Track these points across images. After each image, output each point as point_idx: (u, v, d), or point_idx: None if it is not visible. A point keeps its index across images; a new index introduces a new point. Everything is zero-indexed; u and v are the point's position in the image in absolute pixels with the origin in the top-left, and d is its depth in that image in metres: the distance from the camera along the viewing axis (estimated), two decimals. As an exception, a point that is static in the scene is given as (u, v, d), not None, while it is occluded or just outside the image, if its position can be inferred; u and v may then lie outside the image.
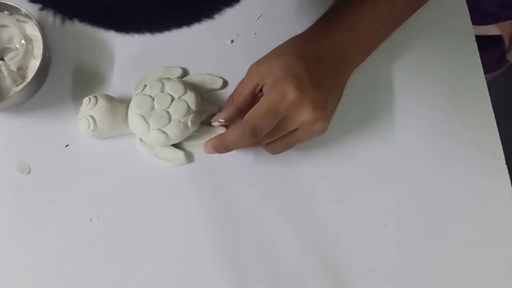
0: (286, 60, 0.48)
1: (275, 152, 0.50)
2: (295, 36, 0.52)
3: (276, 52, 0.50)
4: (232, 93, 0.51)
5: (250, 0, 0.42)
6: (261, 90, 0.49)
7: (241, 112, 0.50)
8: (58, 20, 0.30)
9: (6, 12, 0.54)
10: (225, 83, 0.55)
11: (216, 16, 0.32)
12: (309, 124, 0.47)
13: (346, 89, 0.52)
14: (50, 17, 0.30)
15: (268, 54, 0.50)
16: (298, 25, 0.54)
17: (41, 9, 0.30)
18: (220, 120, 0.52)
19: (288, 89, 0.46)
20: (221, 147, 0.47)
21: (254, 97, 0.50)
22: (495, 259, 0.51)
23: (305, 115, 0.46)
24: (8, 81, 0.53)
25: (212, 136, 0.49)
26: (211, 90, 0.55)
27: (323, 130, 0.49)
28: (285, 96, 0.46)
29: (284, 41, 0.51)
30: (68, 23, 0.31)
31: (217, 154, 0.47)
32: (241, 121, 0.47)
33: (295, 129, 0.48)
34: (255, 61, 0.50)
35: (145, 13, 0.31)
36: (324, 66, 0.49)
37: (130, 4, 0.29)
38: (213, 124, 0.53)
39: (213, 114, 0.53)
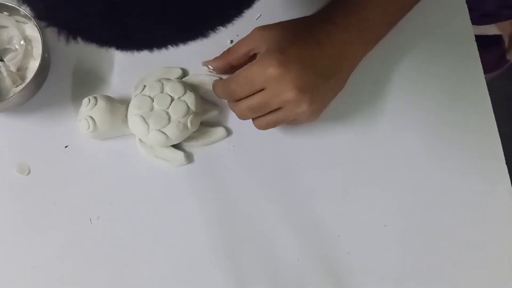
0: (283, 36, 0.48)
1: (259, 127, 0.50)
2: (305, 16, 0.52)
3: (282, 25, 0.50)
4: (230, 47, 0.52)
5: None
6: (255, 55, 0.50)
7: (232, 68, 0.51)
8: (62, 38, 0.31)
9: (5, 13, 0.54)
10: (224, 83, 0.55)
11: (212, 35, 0.33)
12: (291, 105, 0.47)
13: (345, 88, 0.52)
14: (55, 35, 0.31)
15: (276, 23, 0.50)
16: (297, 25, 0.54)
17: (46, 26, 0.31)
18: (209, 66, 0.54)
19: (270, 63, 0.46)
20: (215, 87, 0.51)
21: (248, 59, 0.51)
22: (495, 259, 0.51)
23: (287, 94, 0.46)
24: (7, 82, 0.53)
25: (212, 136, 0.50)
26: (211, 91, 0.55)
27: (310, 114, 0.48)
28: (266, 69, 0.46)
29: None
30: (72, 42, 0.32)
31: (217, 154, 0.47)
32: (226, 78, 0.49)
33: (279, 108, 0.48)
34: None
35: (145, 33, 0.32)
36: (324, 51, 0.48)
37: (131, 24, 0.31)
38: (203, 66, 0.54)
39: (212, 115, 0.54)
